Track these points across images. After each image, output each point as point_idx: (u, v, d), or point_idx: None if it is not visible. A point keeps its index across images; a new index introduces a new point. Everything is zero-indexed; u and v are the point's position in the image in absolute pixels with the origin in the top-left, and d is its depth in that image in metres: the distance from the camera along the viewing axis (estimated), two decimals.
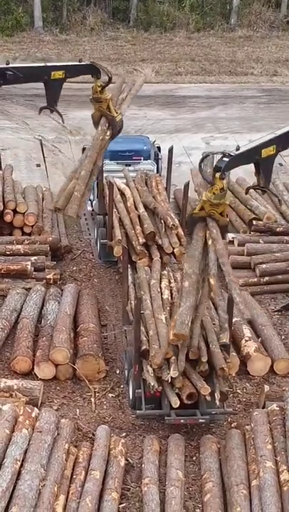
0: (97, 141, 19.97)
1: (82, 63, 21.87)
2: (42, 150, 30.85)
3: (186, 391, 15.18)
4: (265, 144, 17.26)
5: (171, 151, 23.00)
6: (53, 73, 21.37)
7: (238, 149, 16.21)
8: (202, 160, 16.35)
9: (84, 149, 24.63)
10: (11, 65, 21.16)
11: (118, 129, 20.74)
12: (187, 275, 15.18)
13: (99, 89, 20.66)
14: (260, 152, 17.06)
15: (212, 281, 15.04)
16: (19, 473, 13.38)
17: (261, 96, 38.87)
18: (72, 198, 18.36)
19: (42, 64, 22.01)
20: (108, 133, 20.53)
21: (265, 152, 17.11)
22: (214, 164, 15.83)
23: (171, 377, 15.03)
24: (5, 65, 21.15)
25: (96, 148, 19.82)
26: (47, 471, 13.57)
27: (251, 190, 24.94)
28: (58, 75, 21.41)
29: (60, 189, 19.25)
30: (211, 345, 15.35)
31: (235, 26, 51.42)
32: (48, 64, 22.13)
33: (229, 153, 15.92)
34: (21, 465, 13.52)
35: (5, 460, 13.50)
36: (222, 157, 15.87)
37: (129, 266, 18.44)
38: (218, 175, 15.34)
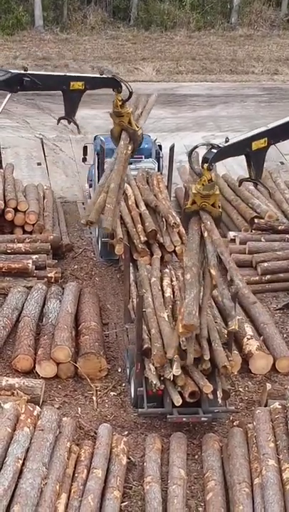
0: (122, 155, 20.04)
1: (104, 76, 21.80)
2: (43, 149, 30.84)
3: (189, 389, 15.14)
4: (257, 137, 17.29)
5: (172, 149, 22.94)
6: (72, 83, 21.40)
7: (227, 141, 16.25)
8: (191, 152, 16.47)
9: (85, 148, 24.58)
10: (29, 72, 21.24)
11: (139, 143, 20.85)
12: (188, 268, 15.14)
13: (120, 103, 20.70)
14: (250, 144, 17.09)
15: (213, 271, 15.07)
16: (21, 471, 13.35)
17: (262, 94, 38.86)
18: (106, 210, 18.42)
19: (62, 73, 22.07)
20: (130, 147, 20.66)
21: (255, 145, 17.14)
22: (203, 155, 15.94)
23: (174, 375, 14.98)
24: (23, 71, 21.24)
25: (121, 161, 19.90)
26: (49, 469, 13.54)
27: (252, 188, 25.06)
28: (78, 85, 21.43)
29: (90, 203, 19.23)
30: (213, 344, 15.30)
31: (235, 25, 51.40)
32: (68, 74, 22.17)
33: (218, 145, 16.01)
34: (23, 463, 13.49)
35: (7, 458, 13.46)
36: (210, 148, 15.96)
37: (130, 264, 18.40)
38: (205, 166, 15.43)
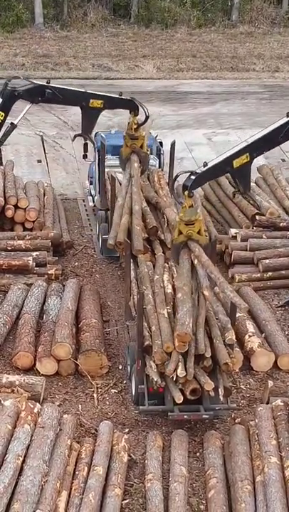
0: (138, 177, 20.58)
1: (122, 97, 22.21)
2: (43, 146, 30.75)
3: (190, 386, 15.05)
4: (237, 154, 17.61)
5: (173, 145, 22.86)
6: (91, 101, 21.84)
7: (205, 165, 16.55)
8: (174, 182, 16.91)
9: (86, 145, 24.48)
10: (51, 85, 21.58)
11: (148, 166, 21.36)
12: (179, 288, 15.55)
13: (134, 126, 21.18)
14: (231, 163, 17.38)
15: (206, 292, 15.35)
16: (21, 469, 13.23)
17: (263, 92, 38.79)
18: (135, 233, 19.08)
19: (83, 90, 22.43)
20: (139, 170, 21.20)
21: (237, 162, 17.50)
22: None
23: (177, 376, 14.89)
24: (46, 83, 21.57)
25: (137, 183, 20.48)
26: (49, 466, 13.43)
27: (253, 185, 24.97)
28: (97, 103, 21.87)
29: (114, 225, 19.55)
30: (214, 341, 15.21)
31: (236, 22, 51.33)
32: (89, 91, 22.51)
33: (196, 172, 16.34)
34: (23, 461, 13.36)
35: (7, 456, 13.34)
36: (189, 175, 16.40)
37: (131, 261, 18.30)
38: (186, 193, 15.83)
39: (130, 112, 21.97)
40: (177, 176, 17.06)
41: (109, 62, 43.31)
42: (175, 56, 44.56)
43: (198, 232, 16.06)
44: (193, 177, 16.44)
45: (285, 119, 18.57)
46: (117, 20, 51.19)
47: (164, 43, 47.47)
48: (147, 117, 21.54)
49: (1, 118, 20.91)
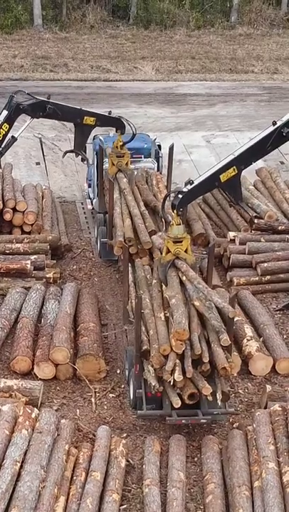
0: (129, 190, 21.09)
1: (111, 116, 23.11)
2: (41, 148, 30.71)
3: (188, 391, 15.05)
4: (223, 169, 17.77)
5: (171, 149, 22.85)
6: (85, 118, 22.62)
7: (191, 183, 16.75)
8: (164, 201, 17.13)
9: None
10: (52, 101, 22.24)
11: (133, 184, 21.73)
12: (171, 297, 15.82)
13: (120, 144, 21.87)
14: (218, 178, 17.54)
15: (196, 303, 15.63)
16: (19, 474, 13.25)
17: (262, 94, 38.73)
18: (140, 230, 19.43)
19: (78, 107, 23.17)
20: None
21: (224, 176, 17.69)
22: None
23: (174, 380, 14.87)
24: (47, 99, 22.14)
25: (130, 193, 20.99)
26: (47, 472, 13.44)
27: (252, 188, 24.98)
28: (90, 120, 22.64)
29: (119, 226, 19.86)
30: (212, 345, 15.19)
31: (235, 24, 51.25)
32: (84, 109, 23.31)
33: (183, 190, 16.66)
34: (21, 466, 13.39)
35: (5, 461, 13.37)
36: (177, 194, 16.63)
37: (129, 265, 18.27)
38: (174, 212, 16.27)
39: (116, 131, 22.77)
40: (168, 196, 17.32)
41: (108, 63, 43.25)
42: (174, 58, 44.50)
43: (186, 251, 16.33)
44: (180, 195, 16.70)
45: (271, 128, 18.49)
46: (116, 21, 51.10)
47: (162, 44, 47.41)
48: (134, 135, 22.17)
49: (6, 130, 21.38)
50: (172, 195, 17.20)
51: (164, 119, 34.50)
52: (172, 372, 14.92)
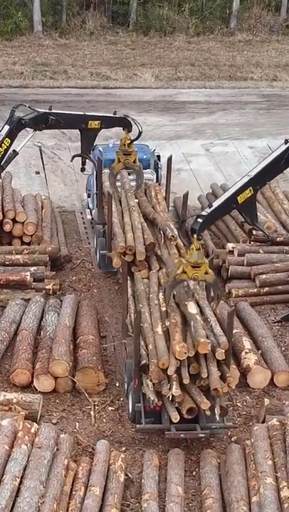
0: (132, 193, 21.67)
1: (116, 116, 23.08)
2: (41, 157, 30.70)
3: (186, 406, 15.14)
4: (240, 190, 17.93)
5: (170, 160, 22.92)
6: (90, 122, 22.57)
7: (210, 206, 16.83)
8: (182, 223, 17.24)
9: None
10: (53, 111, 22.17)
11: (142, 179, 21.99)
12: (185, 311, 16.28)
13: (128, 142, 21.92)
14: (236, 200, 17.72)
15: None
16: (18, 489, 13.33)
17: (261, 101, 38.81)
18: (138, 241, 19.50)
19: (81, 113, 23.13)
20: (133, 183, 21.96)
21: (241, 198, 17.93)
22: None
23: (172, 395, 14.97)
24: (48, 110, 22.10)
25: (133, 198, 21.46)
26: (46, 487, 13.53)
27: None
28: (94, 124, 22.59)
29: (119, 234, 19.91)
30: (208, 362, 15.25)
31: (234, 30, 51.32)
32: (87, 113, 23.27)
33: (202, 214, 16.74)
34: (20, 481, 13.47)
35: (4, 476, 13.46)
36: (196, 218, 16.67)
37: (128, 277, 18.36)
38: (195, 236, 16.20)
39: (123, 129, 22.64)
40: (185, 220, 17.38)
41: (107, 70, 43.31)
42: (173, 64, 44.56)
43: (206, 273, 16.23)
44: (200, 220, 16.74)
45: (284, 147, 18.80)
46: (116, 27, 51.16)
47: (162, 51, 47.48)
48: (140, 133, 22.22)
49: (7, 144, 21.40)
50: (192, 219, 17.21)
51: (163, 127, 34.58)
52: (170, 386, 15.03)
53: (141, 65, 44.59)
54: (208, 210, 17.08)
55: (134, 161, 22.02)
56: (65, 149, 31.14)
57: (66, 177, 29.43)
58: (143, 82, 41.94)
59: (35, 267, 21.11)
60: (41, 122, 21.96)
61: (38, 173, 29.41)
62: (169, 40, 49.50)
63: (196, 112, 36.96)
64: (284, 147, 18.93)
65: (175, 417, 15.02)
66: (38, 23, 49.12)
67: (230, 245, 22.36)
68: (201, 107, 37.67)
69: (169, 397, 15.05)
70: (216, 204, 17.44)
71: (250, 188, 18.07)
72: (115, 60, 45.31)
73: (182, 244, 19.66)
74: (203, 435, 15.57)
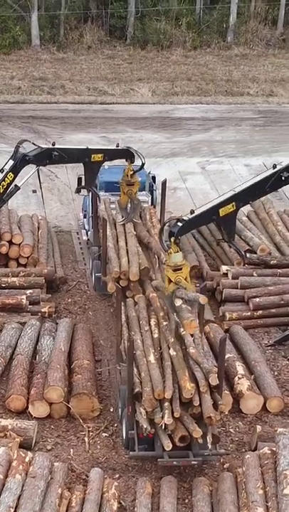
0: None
1: (119, 148, 23.33)
2: (38, 176, 30.87)
3: (179, 434, 15.31)
4: (223, 203, 18.17)
5: (164, 184, 23.13)
6: (93, 156, 22.66)
7: (192, 213, 17.02)
8: (162, 229, 17.42)
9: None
10: (57, 146, 22.32)
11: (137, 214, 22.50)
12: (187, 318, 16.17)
13: (130, 173, 22.34)
14: (217, 212, 17.88)
15: (192, 350, 15.97)
16: None
17: (257, 118, 39.04)
18: (133, 263, 20.21)
19: (84, 147, 23.33)
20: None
21: (223, 211, 18.10)
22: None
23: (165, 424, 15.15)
24: (52, 146, 22.26)
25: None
26: None
27: (245, 219, 25.22)
28: (98, 157, 22.72)
29: (113, 259, 20.29)
30: (200, 389, 15.41)
31: (231, 44, 51.59)
32: (90, 147, 23.44)
33: (183, 218, 16.78)
34: (15, 511, 13.62)
35: None
36: (176, 222, 16.81)
37: (123, 303, 18.52)
38: (172, 239, 16.43)
39: (126, 160, 22.78)
40: (165, 224, 17.50)
41: (104, 85, 43.55)
42: (170, 79, 44.81)
43: (185, 279, 16.46)
44: (179, 224, 16.90)
45: (271, 170, 18.98)
46: (113, 41, 51.43)
47: (159, 65, 47.74)
48: (143, 164, 22.25)
49: (10, 179, 21.47)
50: (172, 222, 17.36)
51: (159, 144, 34.81)
52: (163, 414, 15.21)
53: (138, 79, 44.87)
54: (190, 216, 17.30)
55: (136, 193, 22.47)
56: (62, 167, 31.31)
57: (63, 195, 29.65)
58: (140, 97, 42.19)
59: (31, 290, 21.30)
60: (45, 158, 21.98)
61: (34, 191, 29.57)
62: (166, 54, 49.79)
63: (193, 128, 37.20)
64: (271, 171, 19.11)
65: (167, 445, 15.19)
66: (35, 37, 49.43)
67: (224, 268, 22.55)
68: (197, 123, 37.92)
69: (161, 425, 15.22)
70: (197, 212, 17.66)
71: (233, 203, 18.29)
72: (112, 74, 45.57)
73: None
74: (195, 462, 15.71)
